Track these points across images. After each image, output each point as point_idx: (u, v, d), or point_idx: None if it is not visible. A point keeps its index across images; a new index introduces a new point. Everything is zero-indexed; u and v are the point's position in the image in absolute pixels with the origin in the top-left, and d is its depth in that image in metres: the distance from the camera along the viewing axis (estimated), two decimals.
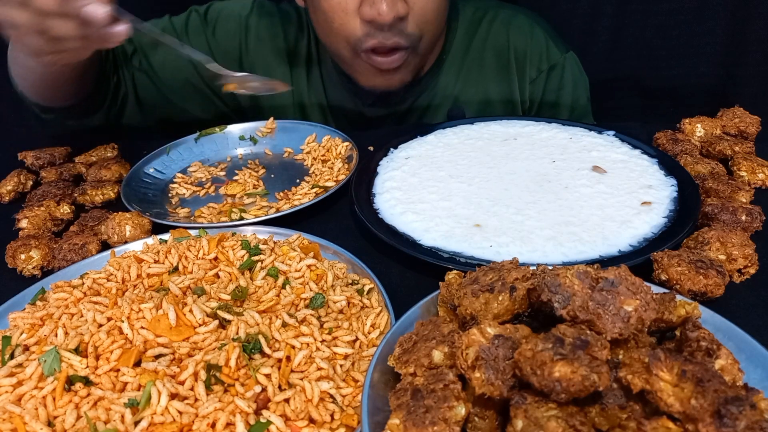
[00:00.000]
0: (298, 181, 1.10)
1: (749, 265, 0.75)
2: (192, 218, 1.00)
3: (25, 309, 0.73)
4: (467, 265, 0.77)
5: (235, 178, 1.13)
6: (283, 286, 0.73)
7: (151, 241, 0.85)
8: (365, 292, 0.74)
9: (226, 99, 1.40)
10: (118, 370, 0.61)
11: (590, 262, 0.62)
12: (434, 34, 1.19)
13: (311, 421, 0.58)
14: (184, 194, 1.09)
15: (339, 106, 1.39)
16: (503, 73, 1.34)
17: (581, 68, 1.37)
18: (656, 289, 0.60)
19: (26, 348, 0.65)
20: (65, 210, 1.00)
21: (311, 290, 0.73)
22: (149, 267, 0.76)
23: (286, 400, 0.59)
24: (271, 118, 1.27)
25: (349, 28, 1.10)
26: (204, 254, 0.79)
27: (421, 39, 1.14)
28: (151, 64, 1.31)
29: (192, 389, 0.59)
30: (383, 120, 1.38)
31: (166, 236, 0.86)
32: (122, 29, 0.84)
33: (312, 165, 1.15)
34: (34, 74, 1.08)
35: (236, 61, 1.37)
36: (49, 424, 0.57)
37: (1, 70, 1.66)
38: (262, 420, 0.56)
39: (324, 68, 1.36)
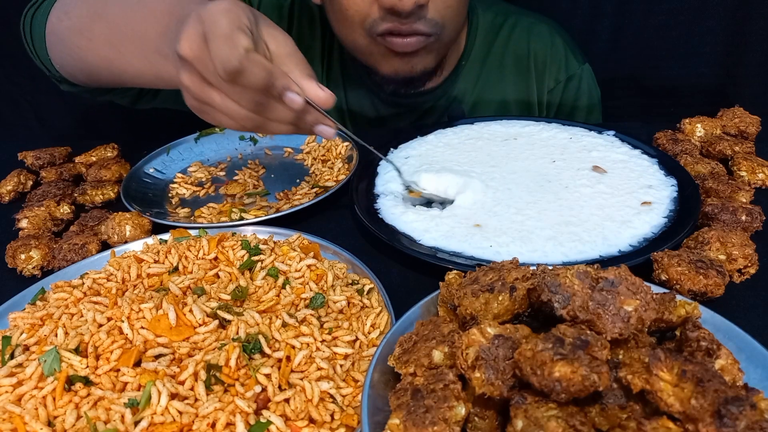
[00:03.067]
0: (298, 181, 1.10)
1: (749, 265, 0.75)
2: (192, 218, 1.00)
3: (25, 309, 0.73)
4: (467, 265, 0.77)
5: (235, 178, 1.13)
6: (283, 286, 0.73)
7: (151, 241, 0.85)
8: (365, 292, 0.74)
9: None
10: (118, 370, 0.61)
11: (590, 262, 0.62)
12: (457, 22, 1.16)
13: (311, 421, 0.58)
14: (184, 194, 1.09)
15: (358, 106, 1.37)
16: (522, 79, 1.34)
17: (595, 81, 1.38)
18: (656, 289, 0.60)
19: (26, 348, 0.65)
20: (65, 210, 1.00)
21: (311, 290, 0.73)
22: (149, 267, 0.76)
23: (286, 400, 0.59)
24: None
25: (364, 13, 1.07)
26: (204, 254, 0.79)
27: (444, 27, 1.10)
28: None
29: (192, 389, 0.59)
30: (400, 120, 1.36)
31: (166, 236, 0.86)
32: (330, 133, 0.80)
33: (312, 165, 1.15)
34: (93, 73, 1.02)
35: None
36: (49, 424, 0.57)
37: (1, 69, 1.67)
38: (262, 420, 0.56)
39: (345, 68, 1.34)
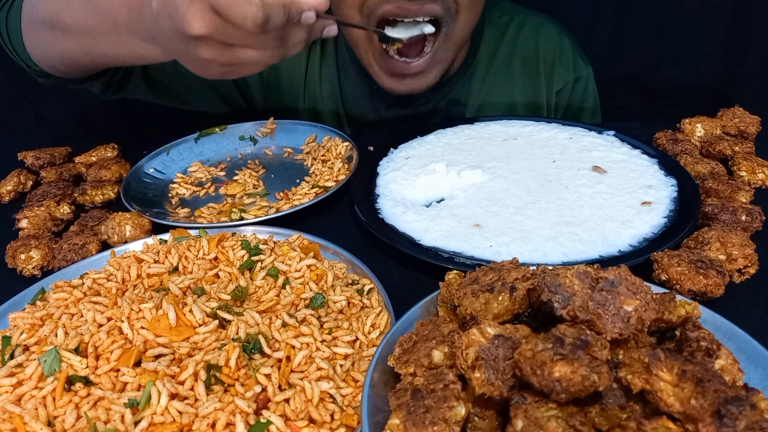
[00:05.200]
0: (298, 181, 1.10)
1: (749, 265, 0.75)
2: (192, 218, 1.00)
3: (25, 309, 0.73)
4: (467, 265, 0.77)
5: (235, 178, 1.13)
6: (283, 286, 0.73)
7: (151, 241, 0.85)
8: (365, 292, 0.74)
9: (246, 95, 1.36)
10: (118, 370, 0.61)
11: (590, 262, 0.62)
12: (470, 17, 1.09)
13: (311, 421, 0.58)
14: (184, 194, 1.09)
15: (354, 105, 1.34)
16: (531, 80, 1.32)
17: (594, 81, 1.38)
18: (656, 289, 0.60)
19: (26, 348, 0.65)
20: (65, 210, 1.00)
21: (311, 290, 0.73)
22: (149, 267, 0.76)
23: (286, 400, 0.59)
24: (271, 118, 1.27)
25: None
26: (204, 254, 0.79)
27: (456, 17, 1.03)
28: None
29: (192, 389, 0.59)
30: (402, 123, 1.34)
31: (166, 236, 0.86)
32: (334, 30, 0.83)
33: (312, 165, 1.15)
34: (73, 60, 1.02)
35: None
36: (49, 424, 0.57)
37: (1, 69, 1.66)
38: (262, 420, 0.56)
39: (340, 58, 1.30)
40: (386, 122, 1.34)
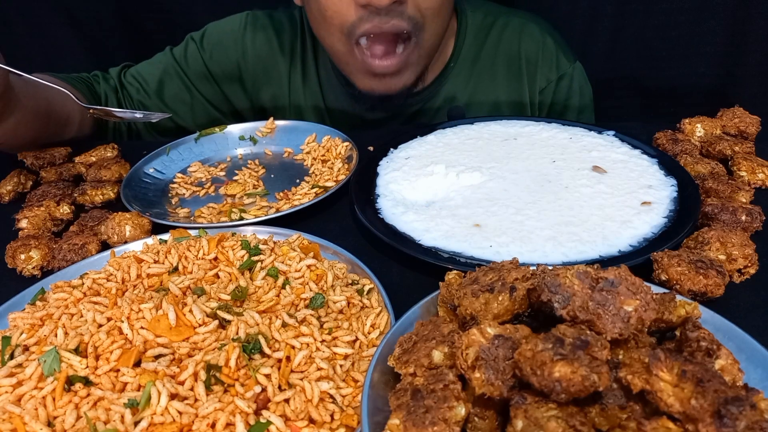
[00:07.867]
0: (298, 181, 1.10)
1: (749, 265, 0.75)
2: (192, 218, 1.00)
3: (25, 309, 0.73)
4: (467, 265, 0.77)
5: (235, 178, 1.13)
6: (283, 286, 0.73)
7: (151, 241, 0.85)
8: (365, 292, 0.74)
9: (219, 105, 1.43)
10: (118, 371, 0.61)
11: (590, 262, 0.62)
12: (437, 24, 1.14)
13: (311, 421, 0.58)
14: (184, 194, 1.09)
15: (337, 110, 1.38)
16: (514, 80, 1.34)
17: (586, 78, 1.38)
18: (656, 289, 0.60)
19: (26, 348, 0.65)
20: (65, 210, 1.00)
21: (311, 290, 0.73)
22: (149, 267, 0.76)
23: (286, 400, 0.59)
24: (271, 118, 1.27)
25: (342, 15, 1.06)
26: (204, 254, 0.79)
27: (424, 28, 1.09)
28: (163, 100, 1.38)
29: (192, 389, 0.58)
30: (385, 124, 1.36)
31: (166, 236, 0.86)
32: None
33: (312, 165, 1.15)
34: None
35: (237, 80, 1.38)
36: (49, 424, 0.57)
37: None
38: (262, 420, 0.56)
39: (322, 71, 1.35)
40: (370, 123, 1.37)
